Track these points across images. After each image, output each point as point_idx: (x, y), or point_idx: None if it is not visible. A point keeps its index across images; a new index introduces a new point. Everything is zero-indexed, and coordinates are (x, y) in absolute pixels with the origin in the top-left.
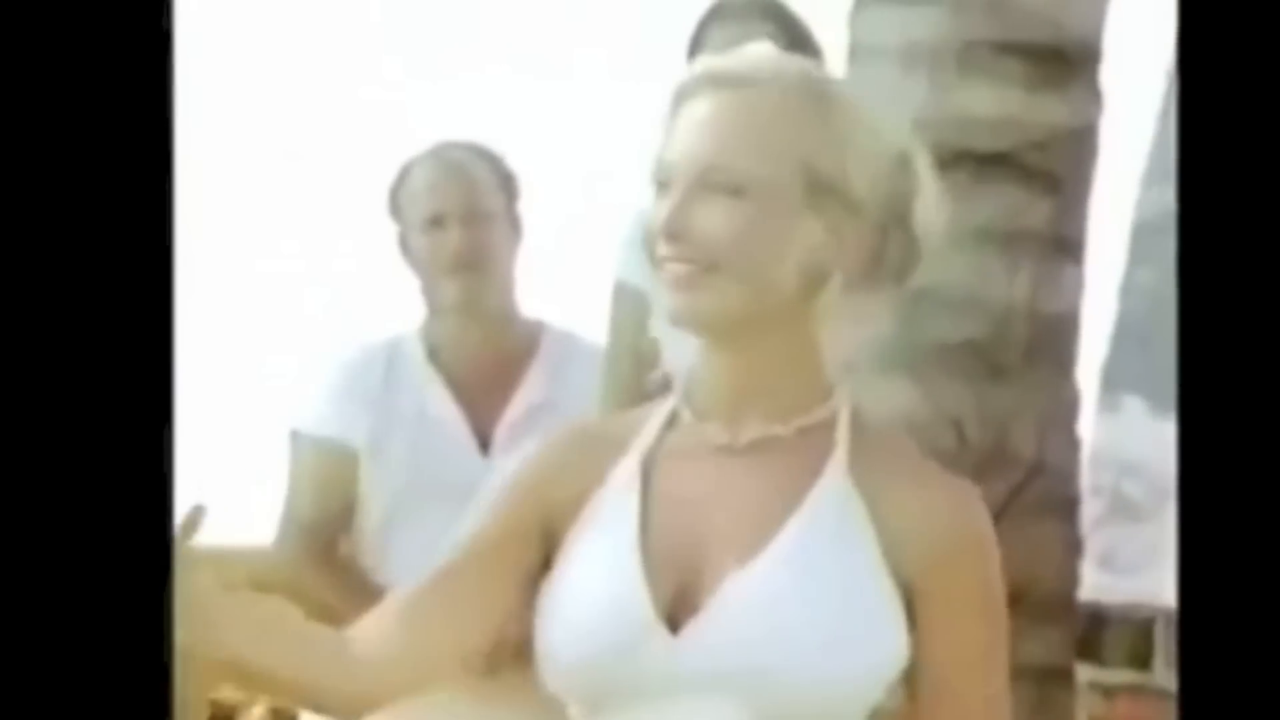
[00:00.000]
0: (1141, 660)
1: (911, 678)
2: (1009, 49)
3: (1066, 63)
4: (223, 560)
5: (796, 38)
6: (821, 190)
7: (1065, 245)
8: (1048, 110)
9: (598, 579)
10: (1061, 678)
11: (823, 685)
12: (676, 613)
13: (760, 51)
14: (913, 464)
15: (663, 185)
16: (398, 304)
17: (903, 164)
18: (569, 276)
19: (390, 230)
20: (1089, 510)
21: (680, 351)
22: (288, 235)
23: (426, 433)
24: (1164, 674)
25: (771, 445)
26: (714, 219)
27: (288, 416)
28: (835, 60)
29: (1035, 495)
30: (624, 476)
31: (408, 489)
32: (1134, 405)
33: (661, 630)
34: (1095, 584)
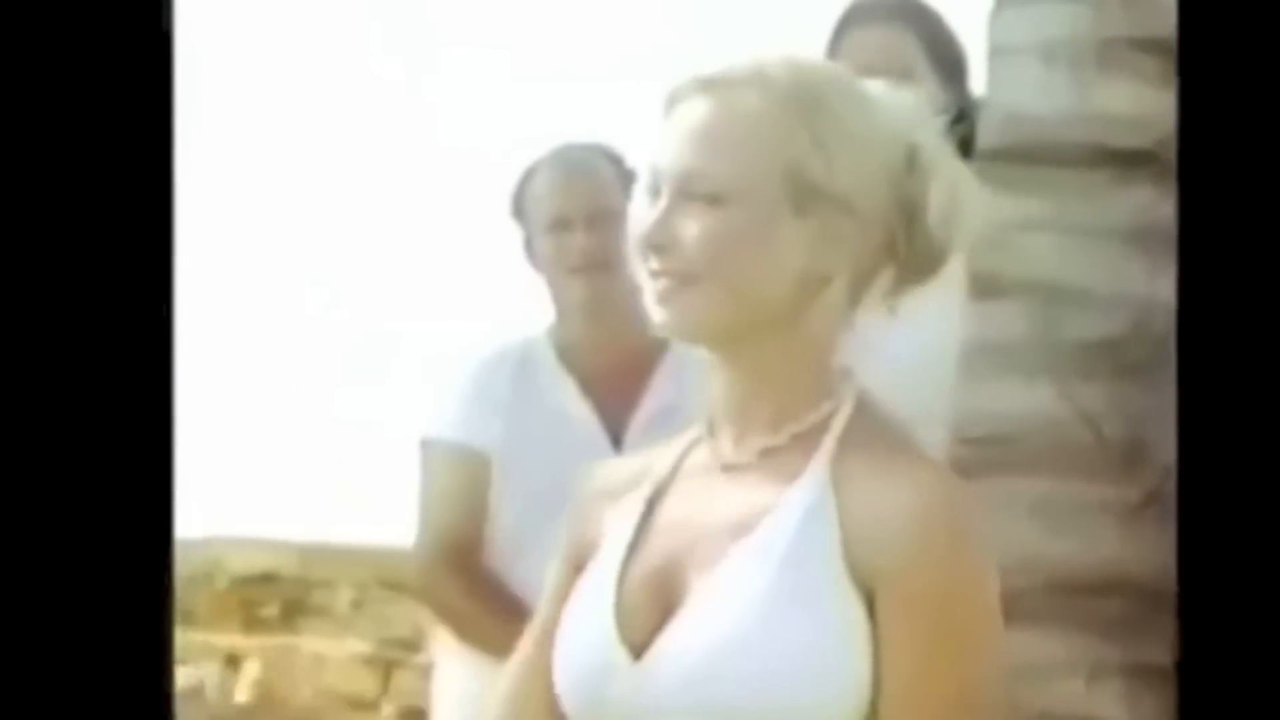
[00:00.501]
0: None
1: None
2: (1146, 45)
3: None
4: (358, 559)
5: (937, 38)
6: (809, 194)
7: None
8: None
9: (579, 609)
10: None
11: (779, 715)
12: (654, 638)
13: (754, 55)
14: (893, 458)
15: (652, 193)
16: (524, 308)
17: (910, 160)
18: None
19: (515, 234)
20: None
21: None
22: (417, 240)
23: (560, 435)
24: None
25: (771, 456)
26: (695, 228)
27: (422, 421)
28: (977, 61)
29: (1173, 495)
30: (628, 506)
31: (542, 492)
32: None
33: (625, 658)
34: None
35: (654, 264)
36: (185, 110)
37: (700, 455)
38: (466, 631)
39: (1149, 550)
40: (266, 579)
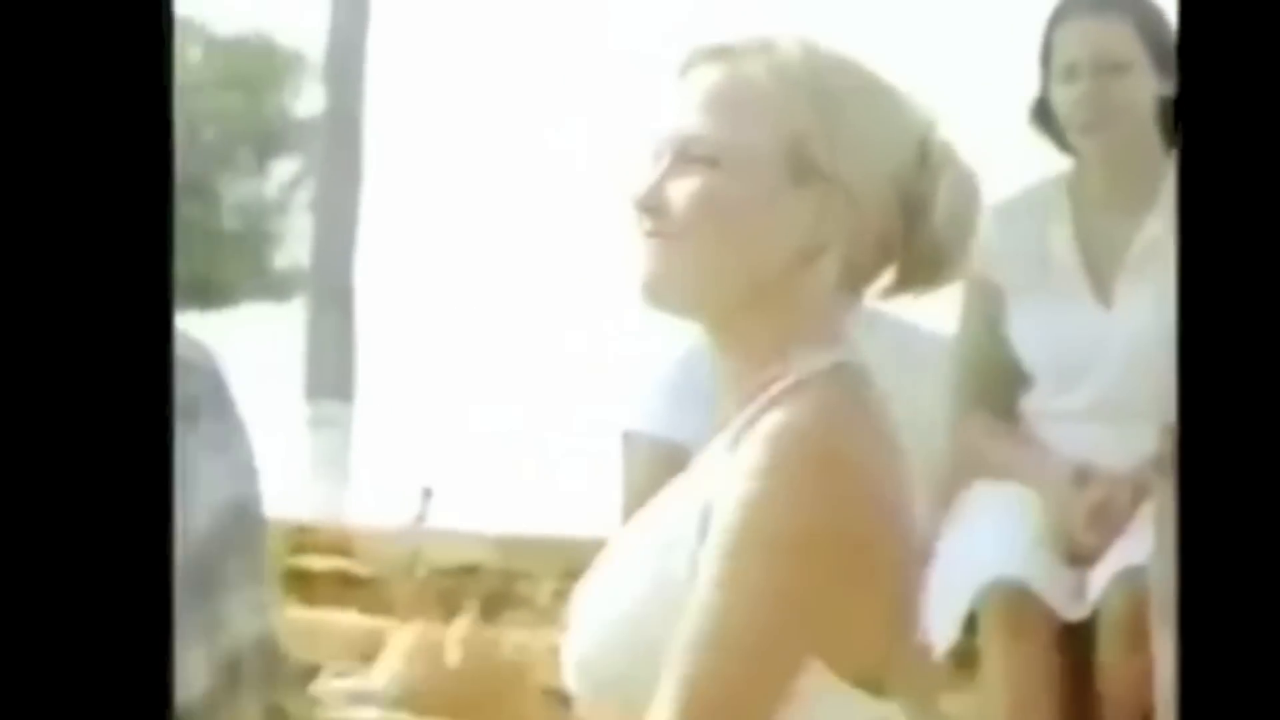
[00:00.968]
0: None
1: None
2: None
3: None
4: (559, 551)
5: (1155, 28)
6: (808, 170)
7: None
8: None
9: None
10: None
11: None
12: None
13: (766, 29)
14: (773, 415)
15: (655, 158)
16: None
17: (921, 157)
18: None
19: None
20: None
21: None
22: (623, 233)
23: None
24: None
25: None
26: (690, 189)
27: (625, 414)
28: None
29: None
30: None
31: None
32: None
33: None
34: None
35: (647, 225)
36: (375, 112)
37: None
38: None
39: None
40: (467, 571)
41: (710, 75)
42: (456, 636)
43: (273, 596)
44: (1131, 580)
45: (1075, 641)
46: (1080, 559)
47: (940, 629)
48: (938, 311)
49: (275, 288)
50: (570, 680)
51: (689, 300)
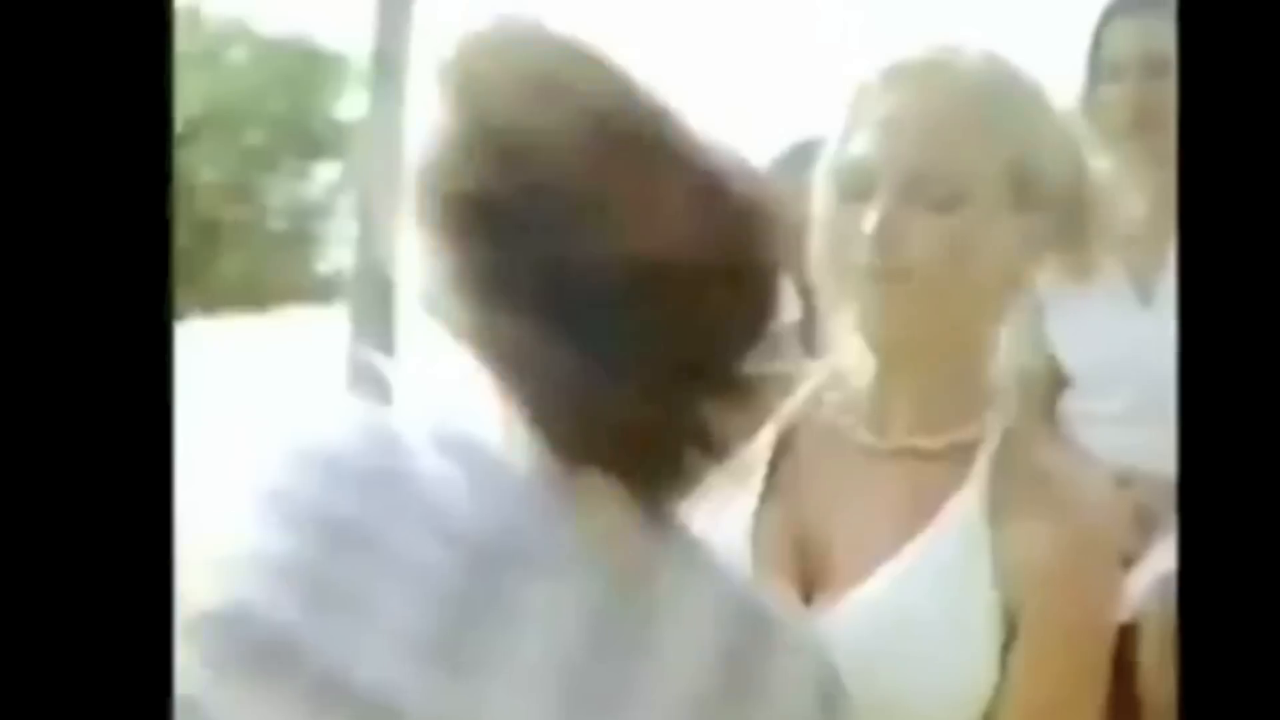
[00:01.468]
0: None
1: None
2: None
3: None
4: None
5: None
6: (1026, 188)
7: None
8: None
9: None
10: None
11: (902, 699)
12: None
13: (942, 42)
14: (1043, 494)
15: (858, 190)
16: None
17: (1077, 149)
18: None
19: None
20: None
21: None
22: None
23: None
24: None
25: (916, 456)
26: (929, 232)
27: None
28: None
29: None
30: (762, 442)
31: None
32: None
33: None
34: None
35: (876, 263)
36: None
37: (826, 418)
38: None
39: None
40: None
41: (909, 98)
42: None
43: None
44: (1172, 583)
45: (1116, 643)
46: (1121, 562)
47: None
48: None
49: (319, 290)
50: None
51: (907, 344)
